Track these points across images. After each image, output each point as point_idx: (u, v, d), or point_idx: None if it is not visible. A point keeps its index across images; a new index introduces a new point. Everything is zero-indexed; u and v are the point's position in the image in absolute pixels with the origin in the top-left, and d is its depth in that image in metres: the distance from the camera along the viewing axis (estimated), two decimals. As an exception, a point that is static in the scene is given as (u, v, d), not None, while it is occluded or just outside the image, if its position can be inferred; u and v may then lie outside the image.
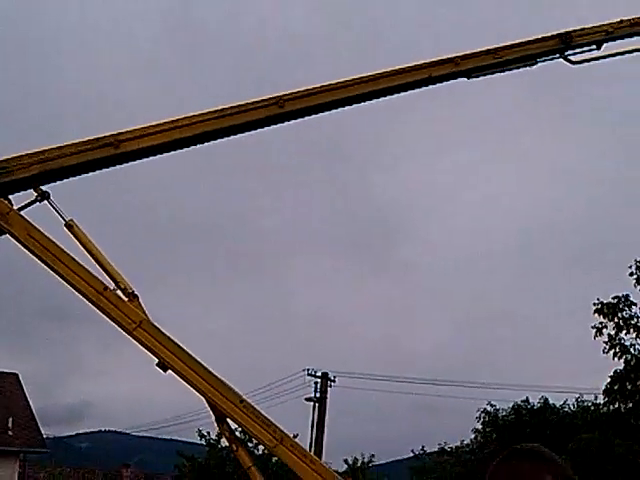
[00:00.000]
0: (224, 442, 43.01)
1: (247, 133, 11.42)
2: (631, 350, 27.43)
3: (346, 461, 46.68)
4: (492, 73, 13.41)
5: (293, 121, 11.62)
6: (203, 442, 45.44)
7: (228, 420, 16.07)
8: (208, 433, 44.83)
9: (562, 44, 14.16)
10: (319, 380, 47.95)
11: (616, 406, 27.94)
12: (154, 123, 10.77)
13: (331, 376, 47.99)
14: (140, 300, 13.39)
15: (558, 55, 14.36)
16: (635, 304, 27.54)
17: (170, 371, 14.76)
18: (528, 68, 13.67)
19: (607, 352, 27.24)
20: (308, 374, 48.08)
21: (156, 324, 13.87)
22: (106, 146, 11.04)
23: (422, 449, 44.01)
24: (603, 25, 14.57)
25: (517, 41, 13.45)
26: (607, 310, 27.57)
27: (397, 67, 12.02)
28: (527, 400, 39.57)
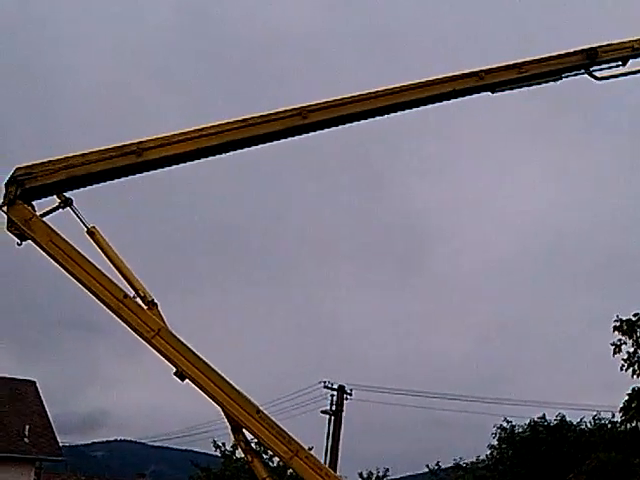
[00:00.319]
0: (239, 453, 42.94)
1: (271, 143, 11.48)
2: (649, 367, 27.20)
3: (360, 475, 46.57)
4: (516, 87, 13.40)
5: (317, 132, 11.69)
6: (218, 453, 45.36)
7: (244, 430, 16.05)
8: (223, 444, 44.79)
9: (587, 60, 14.10)
10: (335, 393, 47.90)
11: (634, 424, 27.71)
12: (177, 132, 10.83)
13: (347, 389, 47.95)
14: (159, 308, 13.43)
15: (583, 71, 14.32)
16: (655, 321, 27.32)
17: (188, 380, 14.78)
18: (553, 83, 13.65)
19: (626, 370, 27.03)
20: (325, 386, 48.06)
21: (175, 333, 13.91)
22: (129, 154, 11.12)
23: (437, 464, 43.78)
24: (629, 41, 14.50)
25: (542, 56, 13.43)
26: (626, 327, 27.39)
27: (421, 80, 12.05)
28: (544, 417, 39.32)
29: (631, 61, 14.36)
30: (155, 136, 10.41)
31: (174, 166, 11.12)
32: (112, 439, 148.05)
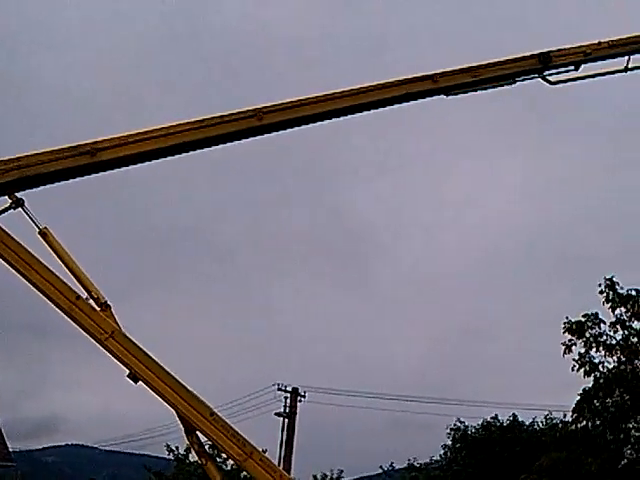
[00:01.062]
0: (192, 457, 42.77)
1: (226, 144, 11.44)
2: (600, 368, 27.61)
3: (315, 477, 46.71)
4: (471, 91, 13.53)
5: (273, 134, 11.67)
6: (171, 457, 45.16)
7: (198, 433, 15.99)
8: (177, 448, 44.61)
9: (541, 64, 14.31)
10: (289, 395, 47.89)
11: (584, 424, 28.08)
12: (133, 132, 10.75)
13: (301, 391, 47.96)
14: (112, 310, 13.32)
15: (537, 75, 14.52)
16: (604, 322, 27.75)
17: (141, 382, 14.68)
18: (507, 87, 13.81)
19: (577, 370, 27.41)
20: (278, 389, 48.06)
21: (128, 335, 13.80)
22: (83, 154, 10.99)
23: (391, 465, 44.10)
24: (582, 46, 14.73)
25: (496, 60, 13.58)
26: (576, 328, 27.78)
27: (376, 82, 12.11)
28: (496, 417, 39.75)
29: (583, 66, 14.59)
30: (110, 136, 10.31)
31: (130, 167, 11.02)
32: (64, 444, 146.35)
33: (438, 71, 12.78)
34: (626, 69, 15.95)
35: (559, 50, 14.30)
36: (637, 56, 15.35)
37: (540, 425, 38.57)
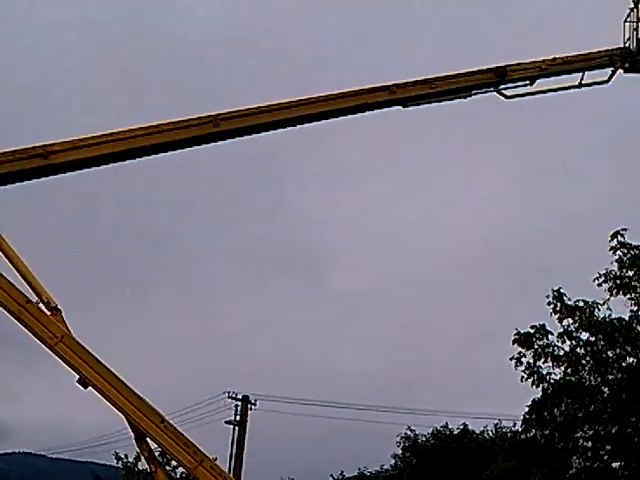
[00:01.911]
0: (141, 465, 42.44)
1: (181, 150, 11.44)
2: (547, 378, 27.94)
3: (266, 485, 46.47)
4: (427, 103, 13.68)
5: (228, 140, 11.69)
6: (120, 465, 44.71)
7: (148, 440, 15.89)
8: (125, 456, 44.18)
9: (497, 78, 14.54)
10: (240, 403, 47.66)
11: (533, 433, 28.38)
12: (87, 136, 10.71)
13: (252, 399, 47.76)
14: (63, 315, 13.20)
15: (492, 89, 14.73)
16: (552, 333, 28.10)
17: (91, 388, 14.57)
18: (462, 100, 13.99)
19: (525, 380, 27.72)
20: (229, 397, 47.80)
21: (78, 339, 13.70)
22: (36, 157, 10.92)
23: (341, 473, 44.11)
24: (537, 61, 14.98)
25: (453, 72, 13.76)
26: (525, 340, 28.10)
27: (334, 92, 12.20)
28: (447, 426, 40.01)
29: (538, 81, 14.85)
30: (64, 139, 10.26)
31: (83, 170, 10.97)
32: (12, 452, 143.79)
33: (396, 82, 12.92)
34: (580, 85, 16.24)
35: (515, 65, 14.54)
36: (591, 72, 15.63)
37: (490, 434, 38.92)
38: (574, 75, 16.10)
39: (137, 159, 11.15)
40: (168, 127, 11.22)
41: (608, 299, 27.84)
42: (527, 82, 15.27)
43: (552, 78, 15.69)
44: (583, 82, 16.36)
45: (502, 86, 14.78)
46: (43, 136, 10.93)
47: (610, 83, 16.69)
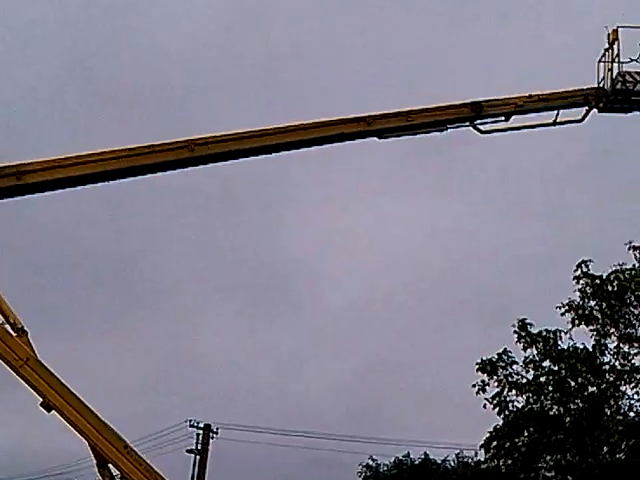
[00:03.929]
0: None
1: (156, 174, 11.37)
2: (510, 407, 28.05)
3: (226, 515, 45.93)
4: (403, 135, 13.77)
5: (202, 166, 11.64)
6: (80, 493, 43.99)
7: (110, 466, 15.69)
8: (89, 483, 43.45)
9: (473, 113, 14.68)
10: (201, 432, 47.22)
11: (495, 463, 28.42)
12: (62, 157, 10.61)
13: (214, 428, 47.30)
14: (29, 336, 13.03)
15: (468, 123, 14.87)
16: (516, 362, 28.26)
17: (54, 412, 14.37)
18: (438, 133, 14.10)
19: (493, 409, 27.82)
20: (190, 425, 47.29)
21: (43, 362, 13.51)
22: (8, 176, 10.79)
23: (305, 505, 43.71)
24: (513, 97, 15.16)
25: (430, 106, 13.87)
26: (489, 368, 28.22)
27: (310, 121, 12.23)
28: (408, 455, 39.82)
29: (513, 117, 15.00)
30: (38, 159, 10.16)
31: (56, 191, 10.86)
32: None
33: (372, 113, 13.00)
34: (555, 123, 16.45)
35: (491, 100, 14.70)
36: (566, 111, 15.81)
37: (452, 463, 38.83)
38: (549, 113, 16.31)
39: (110, 182, 11.08)
40: (144, 150, 11.17)
41: (571, 329, 28.17)
42: (502, 118, 15.43)
43: (528, 115, 15.88)
44: (558, 120, 16.56)
45: (478, 121, 14.93)
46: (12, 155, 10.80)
47: (584, 122, 16.93)
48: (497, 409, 27.82)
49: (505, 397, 28.00)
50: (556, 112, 16.51)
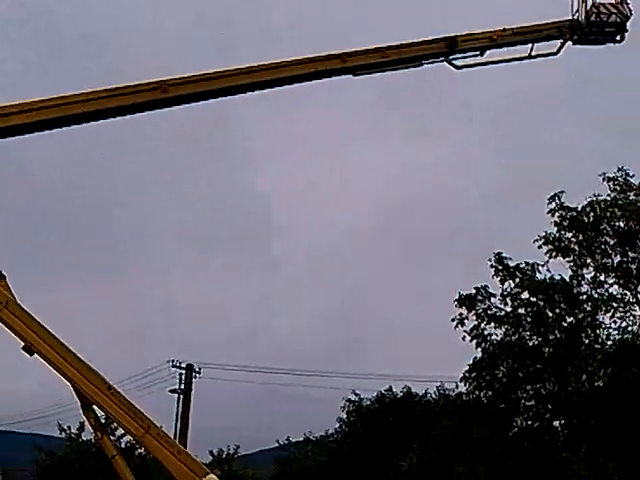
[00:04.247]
0: (85, 436, 42.16)
1: (128, 116, 11.27)
2: (488, 339, 28.41)
3: (211, 452, 46.54)
4: (378, 72, 13.70)
5: (176, 107, 11.55)
6: (63, 436, 44.31)
7: (94, 407, 15.81)
8: (69, 427, 43.75)
9: (447, 48, 14.62)
10: (184, 372, 47.53)
11: (476, 394, 28.83)
12: (36, 99, 10.49)
13: (196, 368, 47.65)
14: (7, 280, 13.02)
15: (443, 59, 14.82)
16: (494, 295, 28.55)
17: (36, 355, 14.44)
18: (413, 69, 14.04)
19: (470, 341, 28.16)
20: (173, 365, 47.57)
21: (23, 306, 13.53)
22: None
23: (287, 439, 44.34)
24: (487, 32, 15.07)
25: (404, 42, 13.78)
26: (467, 302, 28.50)
27: (285, 59, 12.13)
28: (390, 389, 40.32)
29: (488, 52, 14.94)
30: (14, 102, 10.02)
31: (30, 134, 10.74)
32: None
33: (347, 50, 12.91)
34: (530, 56, 16.42)
35: (466, 35, 14.61)
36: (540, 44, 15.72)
37: (433, 396, 39.37)
38: (524, 46, 16.26)
39: (83, 124, 10.98)
40: (116, 92, 11.06)
41: (547, 261, 28.47)
42: (477, 53, 15.38)
43: (502, 49, 15.84)
44: (533, 54, 16.53)
45: (452, 56, 14.87)
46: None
47: (559, 55, 16.93)
48: (475, 341, 28.15)
49: (483, 330, 28.34)
50: (531, 46, 16.47)
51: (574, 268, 28.36)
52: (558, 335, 27.62)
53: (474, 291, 28.63)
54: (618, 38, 17.67)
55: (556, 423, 28.30)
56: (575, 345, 27.21)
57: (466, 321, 28.47)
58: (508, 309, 28.40)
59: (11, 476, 50.92)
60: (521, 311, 28.18)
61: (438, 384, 39.42)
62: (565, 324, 27.66)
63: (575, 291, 27.97)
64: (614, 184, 28.64)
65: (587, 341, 27.65)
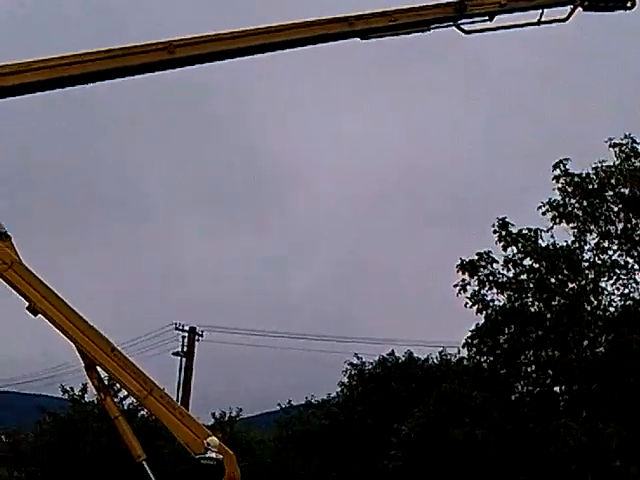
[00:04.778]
0: (88, 397, 42.46)
1: (135, 77, 11.18)
2: (491, 305, 28.41)
3: (214, 415, 46.86)
4: (386, 35, 13.57)
5: (181, 68, 11.45)
6: (66, 397, 44.58)
7: (98, 368, 15.95)
8: (72, 389, 44.03)
9: (456, 12, 14.49)
10: (187, 334, 47.73)
11: (477, 359, 28.91)
12: (39, 59, 10.41)
13: (199, 330, 47.84)
14: (12, 241, 13.08)
15: (452, 23, 14.69)
16: (497, 261, 28.51)
17: (40, 315, 14.54)
18: (421, 33, 13.91)
19: (471, 307, 28.15)
20: (176, 328, 47.78)
21: (27, 266, 13.60)
22: None
23: (289, 402, 44.52)
24: None
25: (414, 5, 13.65)
26: (470, 267, 28.45)
27: (292, 22, 12.03)
28: (393, 353, 40.39)
29: (497, 17, 14.79)
30: (13, 61, 9.96)
31: (34, 93, 10.68)
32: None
33: (355, 13, 12.79)
34: (539, 22, 16.24)
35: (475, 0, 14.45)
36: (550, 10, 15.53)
37: (435, 361, 39.46)
38: (533, 12, 16.10)
39: (89, 84, 10.90)
40: (123, 52, 10.97)
41: (551, 227, 28.39)
42: (486, 18, 15.25)
43: (512, 14, 15.67)
44: (542, 19, 16.33)
45: (461, 21, 14.76)
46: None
47: (569, 21, 16.64)
48: (476, 307, 28.13)
49: (484, 295, 28.32)
50: (540, 11, 16.29)
51: (577, 234, 28.32)
52: (561, 301, 27.61)
53: (476, 257, 28.55)
54: (629, 4, 17.40)
55: (556, 389, 28.37)
56: (577, 311, 27.22)
57: (468, 287, 28.43)
58: (510, 275, 28.37)
59: (17, 438, 51.29)
60: (524, 277, 28.15)
61: (440, 349, 39.55)
62: (567, 290, 27.63)
63: (578, 257, 27.92)
64: (620, 150, 28.51)
65: (589, 308, 27.65)
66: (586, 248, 28.22)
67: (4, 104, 10.85)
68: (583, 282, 27.66)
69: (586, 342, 27.67)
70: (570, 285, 27.73)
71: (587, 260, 28.04)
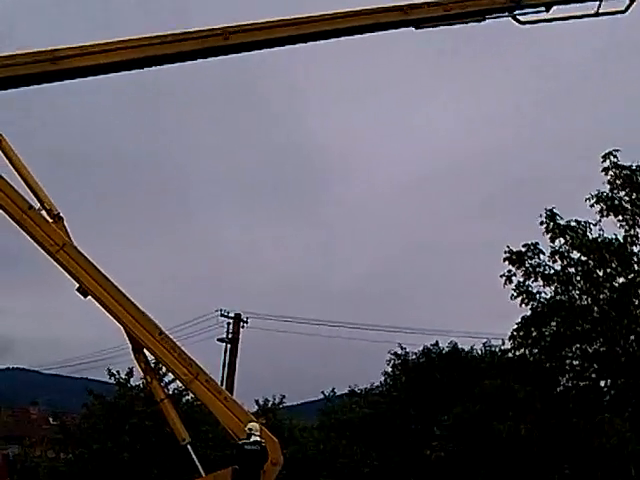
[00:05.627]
0: (134, 381, 42.94)
1: (188, 62, 11.27)
2: (537, 297, 28.22)
3: (257, 402, 47.15)
4: (441, 25, 13.49)
5: (236, 54, 11.52)
6: (113, 381, 45.09)
7: (145, 351, 16.17)
8: (118, 372, 44.53)
9: (512, 2, 14.33)
10: (232, 321, 48.07)
11: (522, 352, 28.76)
12: (97, 42, 10.58)
13: (244, 317, 48.15)
14: (65, 223, 13.30)
15: (507, 13, 14.51)
16: (543, 252, 28.30)
17: (90, 297, 14.77)
18: (476, 24, 13.79)
19: (515, 298, 28.00)
20: (221, 315, 48.15)
21: (79, 248, 13.82)
22: (43, 61, 10.76)
23: (332, 391, 44.64)
24: None
25: None
26: (516, 258, 28.30)
27: (346, 10, 12.04)
28: (437, 344, 40.31)
29: (554, 8, 14.58)
30: (72, 45, 10.13)
31: (90, 77, 10.87)
32: (5, 367, 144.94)
33: (410, 2, 12.75)
34: (597, 14, 15.94)
35: None
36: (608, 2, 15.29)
37: (479, 352, 39.31)
38: (591, 3, 15.85)
39: (145, 68, 11.02)
40: (179, 37, 11.10)
41: (600, 220, 28.09)
42: (543, 9, 15.05)
43: (568, 5, 15.43)
44: (600, 11, 16.03)
45: (517, 11, 14.62)
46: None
47: (628, 13, 16.24)
48: (520, 298, 27.96)
49: (528, 286, 28.13)
50: (598, 2, 16.03)
51: (626, 228, 27.98)
52: (608, 295, 27.33)
53: (524, 248, 28.38)
54: None
55: (602, 383, 28.12)
56: (625, 305, 26.92)
57: (514, 278, 28.30)
58: (557, 267, 28.16)
59: (64, 420, 52.00)
60: (571, 270, 27.92)
61: (484, 341, 39.40)
62: (616, 284, 27.35)
63: (627, 251, 27.60)
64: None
65: (637, 301, 27.33)
66: (637, 241, 27.85)
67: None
68: (631, 276, 27.35)
69: (633, 336, 27.34)
70: (619, 279, 27.44)
71: (636, 254, 27.70)
